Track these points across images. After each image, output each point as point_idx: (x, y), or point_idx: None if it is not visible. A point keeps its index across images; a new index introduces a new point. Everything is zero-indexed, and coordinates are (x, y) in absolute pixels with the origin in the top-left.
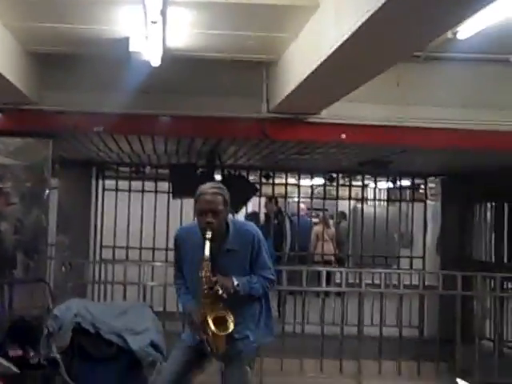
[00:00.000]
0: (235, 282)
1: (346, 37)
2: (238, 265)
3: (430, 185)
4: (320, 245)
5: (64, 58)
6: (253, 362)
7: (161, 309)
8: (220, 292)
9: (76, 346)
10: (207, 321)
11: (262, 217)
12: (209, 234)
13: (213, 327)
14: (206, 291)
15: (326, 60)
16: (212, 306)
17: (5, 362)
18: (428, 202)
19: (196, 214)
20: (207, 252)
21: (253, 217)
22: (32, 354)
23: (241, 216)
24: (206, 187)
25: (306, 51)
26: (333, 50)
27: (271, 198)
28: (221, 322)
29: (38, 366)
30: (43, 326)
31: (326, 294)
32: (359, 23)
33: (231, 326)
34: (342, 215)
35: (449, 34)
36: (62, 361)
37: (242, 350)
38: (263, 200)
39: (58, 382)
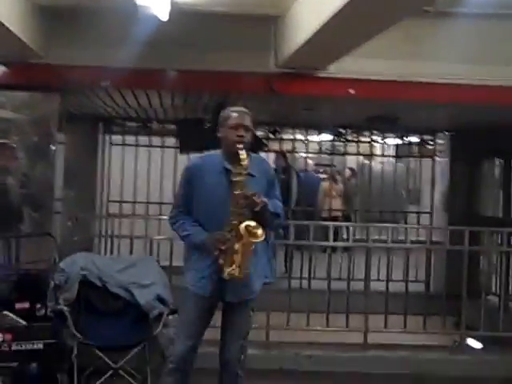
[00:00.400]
0: (263, 198)
1: None
2: (257, 190)
3: (439, 141)
4: (327, 201)
5: (71, 12)
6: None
7: (167, 263)
8: (256, 201)
9: (83, 299)
10: (239, 229)
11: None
12: (240, 145)
13: (245, 232)
14: (237, 206)
15: (335, 13)
16: (240, 219)
17: (12, 315)
18: (436, 158)
19: (224, 131)
20: (246, 161)
21: None
22: (39, 306)
23: None
24: (236, 108)
25: (315, 4)
26: (343, 2)
27: (280, 153)
28: (250, 232)
29: (45, 318)
30: (50, 279)
31: (333, 249)
32: None
33: (261, 234)
34: (352, 172)
35: None
36: (68, 313)
37: (249, 295)
38: (271, 155)
39: (65, 335)
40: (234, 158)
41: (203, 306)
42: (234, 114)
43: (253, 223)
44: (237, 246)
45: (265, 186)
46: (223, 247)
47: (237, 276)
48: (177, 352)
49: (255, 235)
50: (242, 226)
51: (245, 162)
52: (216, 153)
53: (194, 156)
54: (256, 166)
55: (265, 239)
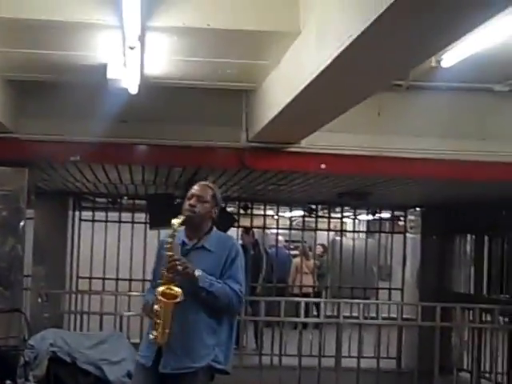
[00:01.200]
0: (197, 272)
1: (327, 63)
2: (210, 266)
3: (410, 217)
4: (299, 277)
5: (40, 85)
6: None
7: (138, 340)
8: (178, 265)
9: (52, 375)
10: (158, 292)
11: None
12: (180, 218)
13: (160, 297)
14: (165, 270)
15: (306, 87)
16: (165, 281)
17: None
18: (407, 234)
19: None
20: (178, 221)
21: None
22: (9, 383)
23: None
24: (199, 182)
25: (287, 79)
26: (314, 76)
27: (248, 230)
28: (168, 295)
29: None
30: (19, 355)
31: (304, 325)
32: (341, 49)
33: (180, 296)
34: (324, 248)
35: (433, 62)
36: None
37: (191, 365)
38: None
39: None
40: (189, 228)
41: (145, 375)
42: (194, 186)
43: (164, 288)
44: (156, 307)
45: (219, 264)
46: (150, 315)
47: (158, 341)
48: None
49: (171, 296)
50: (160, 288)
51: (175, 225)
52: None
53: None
54: (216, 242)
55: (220, 320)
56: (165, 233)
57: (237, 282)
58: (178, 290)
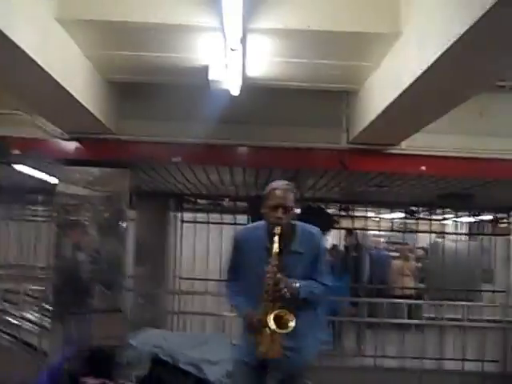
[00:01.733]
0: (297, 285)
1: (428, 64)
2: (301, 267)
3: None
4: (400, 279)
5: (142, 87)
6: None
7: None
8: (284, 291)
9: (154, 376)
10: (267, 318)
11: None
12: (278, 230)
13: (272, 323)
14: (268, 288)
15: (407, 89)
16: (272, 304)
17: None
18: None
19: (265, 209)
20: (276, 247)
21: (334, 249)
22: (110, 382)
23: None
24: (278, 183)
25: (388, 80)
26: (415, 78)
27: (351, 231)
28: (280, 321)
29: None
30: (121, 355)
31: (406, 328)
32: (442, 50)
33: (291, 325)
34: (424, 251)
35: None
36: None
37: (298, 364)
38: (342, 233)
39: None
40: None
41: (252, 376)
42: (275, 193)
43: (283, 312)
44: (267, 331)
45: (309, 262)
46: (255, 328)
47: (269, 357)
48: None
49: (285, 326)
50: (271, 316)
51: (276, 251)
52: (262, 223)
53: (243, 227)
54: (304, 242)
55: (315, 308)
56: (242, 228)
57: (327, 275)
58: (289, 319)
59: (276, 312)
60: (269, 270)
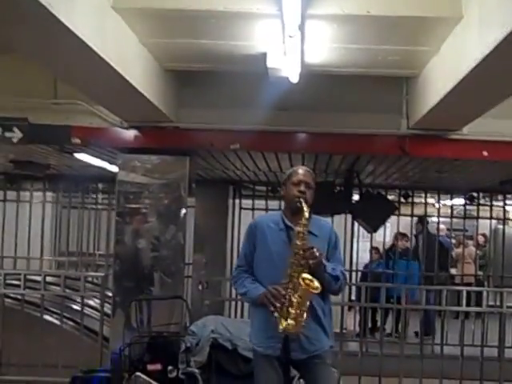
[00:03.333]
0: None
1: (490, 48)
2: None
3: None
4: (460, 266)
5: (200, 75)
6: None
7: None
8: (316, 254)
9: (214, 361)
10: (300, 277)
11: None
12: (302, 200)
13: (303, 283)
14: (298, 251)
15: (468, 74)
16: (300, 269)
17: (144, 377)
18: None
19: (287, 187)
20: (306, 214)
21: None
22: (170, 368)
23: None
24: (299, 167)
25: (448, 65)
26: (476, 62)
27: (421, 219)
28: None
29: (177, 380)
30: (181, 341)
31: (466, 315)
32: (505, 34)
33: (318, 286)
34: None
35: None
36: (200, 376)
37: (320, 350)
38: (402, 219)
39: None
40: (295, 215)
41: (274, 366)
42: (297, 171)
43: (309, 276)
44: (293, 298)
45: (325, 247)
46: (278, 303)
47: (292, 330)
48: None
49: (312, 287)
50: (301, 277)
51: (306, 215)
52: (277, 212)
53: (260, 216)
54: (318, 227)
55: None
56: (258, 217)
57: (341, 264)
58: (315, 281)
59: (303, 275)
60: (299, 232)
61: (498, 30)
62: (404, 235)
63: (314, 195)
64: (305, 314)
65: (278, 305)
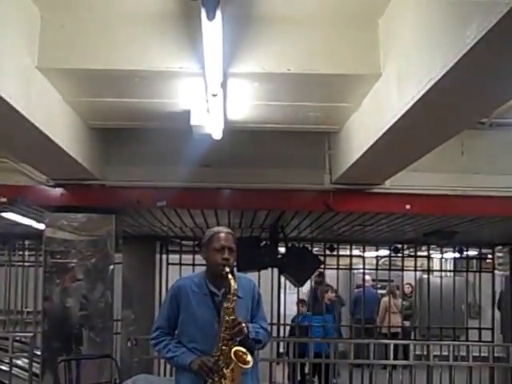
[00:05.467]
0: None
1: (409, 105)
2: (242, 311)
3: (498, 254)
4: (387, 316)
5: (126, 133)
6: None
7: None
8: (243, 325)
9: None
10: (229, 354)
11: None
12: (227, 269)
13: (234, 359)
14: (227, 327)
15: (389, 129)
16: (227, 343)
17: None
18: (496, 272)
19: (209, 252)
20: (234, 284)
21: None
22: None
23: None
24: (219, 227)
25: (369, 121)
26: (396, 119)
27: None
28: (239, 358)
29: None
30: None
31: (394, 366)
32: (423, 92)
33: (250, 361)
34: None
35: None
36: None
37: None
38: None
39: None
40: (219, 281)
41: None
42: (218, 236)
43: (242, 349)
44: (226, 372)
45: (249, 306)
46: (210, 373)
47: None
48: None
49: (245, 362)
50: (232, 351)
51: (234, 287)
52: (199, 273)
53: (181, 278)
54: (240, 288)
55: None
56: (181, 279)
57: (265, 320)
58: (248, 356)
59: (235, 349)
60: (228, 307)
61: (415, 88)
62: (331, 287)
63: (235, 255)
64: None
65: (216, 379)
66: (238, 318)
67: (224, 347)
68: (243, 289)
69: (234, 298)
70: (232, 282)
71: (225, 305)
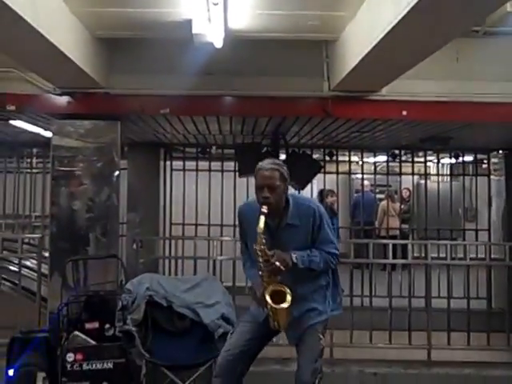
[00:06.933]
0: (293, 256)
1: (404, 12)
2: (299, 239)
3: (493, 160)
4: (385, 220)
5: (130, 42)
6: (324, 333)
7: (230, 283)
8: (277, 265)
9: (150, 319)
10: (264, 295)
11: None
12: (264, 209)
13: (270, 301)
14: (262, 265)
15: (384, 36)
16: (269, 280)
17: (82, 335)
18: (492, 176)
19: (255, 188)
20: (261, 225)
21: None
22: (107, 326)
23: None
24: (264, 163)
25: (365, 28)
26: (391, 25)
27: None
28: (279, 296)
29: (114, 338)
30: (117, 299)
31: (393, 267)
32: (415, 1)
33: (288, 300)
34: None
35: (508, 7)
36: (136, 333)
37: (311, 323)
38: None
39: (134, 354)
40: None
41: (256, 330)
42: (260, 173)
43: (278, 287)
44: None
45: (307, 233)
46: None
47: (278, 329)
48: (218, 361)
49: (282, 301)
50: (266, 293)
51: (261, 228)
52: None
53: (245, 202)
54: (299, 214)
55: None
56: (243, 204)
57: (330, 242)
58: (285, 299)
59: (272, 289)
60: (256, 249)
61: None
62: (332, 191)
63: (284, 186)
64: (285, 315)
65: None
66: (270, 258)
67: (264, 284)
68: (301, 214)
69: (262, 238)
70: (261, 223)
71: (254, 246)
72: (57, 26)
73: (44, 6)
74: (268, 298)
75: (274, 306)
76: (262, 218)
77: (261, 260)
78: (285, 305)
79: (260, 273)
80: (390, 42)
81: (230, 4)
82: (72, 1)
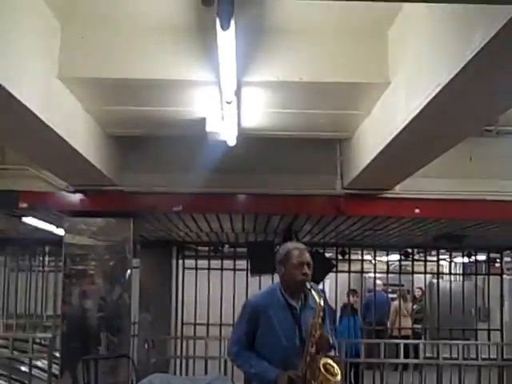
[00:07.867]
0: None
1: (416, 112)
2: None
3: (506, 258)
4: (398, 320)
5: (143, 140)
6: None
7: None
8: (332, 341)
9: None
10: (318, 367)
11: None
12: (308, 285)
13: (324, 371)
14: (313, 340)
15: (398, 135)
16: (314, 356)
17: None
18: (504, 276)
19: (289, 268)
20: (322, 303)
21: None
22: None
23: None
24: (294, 244)
25: (379, 127)
26: (405, 124)
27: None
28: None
29: None
30: None
31: (405, 367)
32: (430, 97)
33: (339, 372)
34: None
35: None
36: None
37: None
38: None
39: None
40: (297, 295)
41: None
42: (297, 252)
43: (330, 361)
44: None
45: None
46: None
47: None
48: None
49: (334, 375)
50: (321, 364)
51: (320, 303)
52: (271, 289)
53: (253, 294)
54: (311, 297)
55: None
56: (256, 297)
57: (331, 328)
58: (337, 368)
59: (323, 362)
60: (314, 322)
61: (422, 95)
62: (354, 291)
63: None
64: None
65: None
66: (325, 334)
67: (311, 361)
68: (313, 299)
69: (321, 313)
70: (317, 297)
71: (312, 320)
72: (71, 124)
73: (58, 104)
74: (322, 370)
75: (329, 376)
76: (315, 293)
77: (314, 337)
78: (338, 375)
79: (308, 352)
80: (403, 140)
81: (243, 102)
82: (86, 99)
